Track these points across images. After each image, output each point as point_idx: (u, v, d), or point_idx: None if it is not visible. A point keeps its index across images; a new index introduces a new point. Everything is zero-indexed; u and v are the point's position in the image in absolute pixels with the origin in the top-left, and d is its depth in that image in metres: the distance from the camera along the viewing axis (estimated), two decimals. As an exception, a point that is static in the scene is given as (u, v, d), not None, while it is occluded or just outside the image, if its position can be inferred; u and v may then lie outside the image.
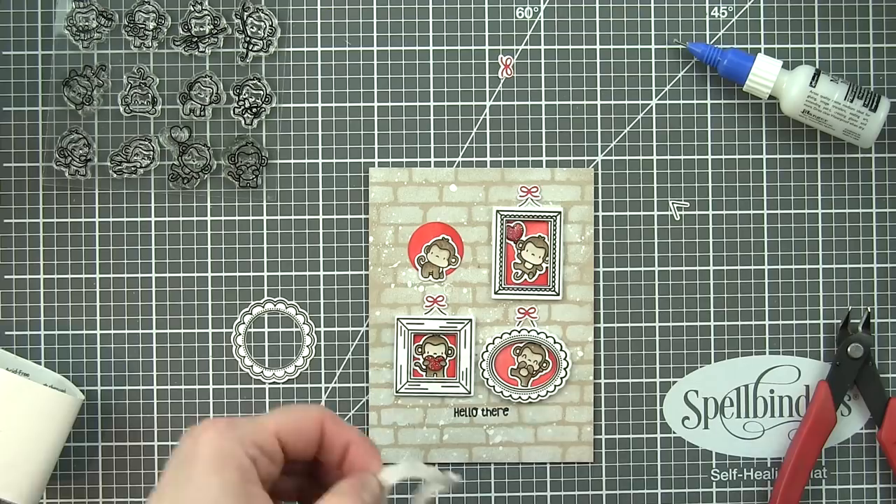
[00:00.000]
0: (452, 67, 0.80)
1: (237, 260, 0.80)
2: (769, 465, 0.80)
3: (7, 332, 0.80)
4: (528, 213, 0.80)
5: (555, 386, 0.79)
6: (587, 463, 0.80)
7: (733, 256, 0.80)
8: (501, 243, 0.79)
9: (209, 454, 0.60)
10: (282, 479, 0.65)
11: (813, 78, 0.76)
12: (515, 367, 0.80)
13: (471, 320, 0.79)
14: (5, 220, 0.80)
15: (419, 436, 0.80)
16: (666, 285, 0.80)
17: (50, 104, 0.79)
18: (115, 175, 0.79)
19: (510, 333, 0.79)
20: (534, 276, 0.80)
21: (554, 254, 0.79)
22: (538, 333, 0.79)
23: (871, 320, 0.80)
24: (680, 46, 0.80)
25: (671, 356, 0.80)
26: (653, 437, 0.80)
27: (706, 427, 0.80)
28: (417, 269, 0.79)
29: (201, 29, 0.79)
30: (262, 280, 0.80)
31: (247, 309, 0.80)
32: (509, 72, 0.80)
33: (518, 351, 0.80)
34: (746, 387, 0.80)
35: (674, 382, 0.80)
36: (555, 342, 0.79)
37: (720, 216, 0.80)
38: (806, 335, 0.80)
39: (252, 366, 0.80)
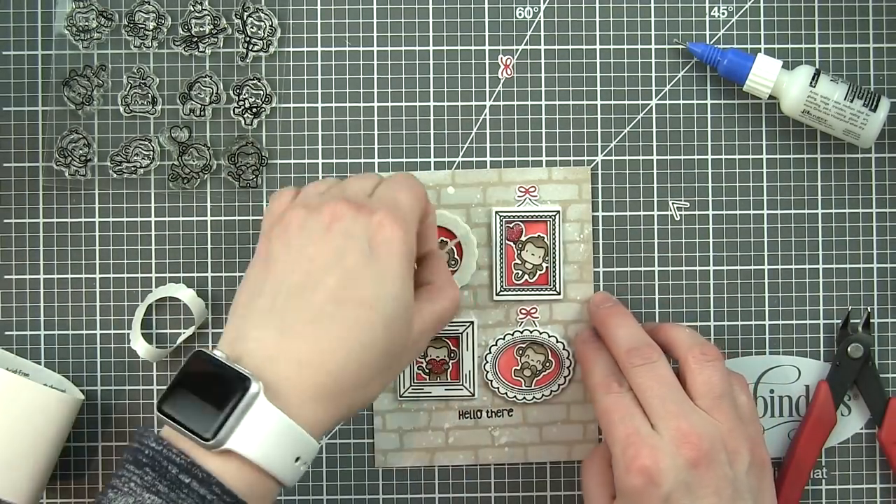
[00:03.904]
0: (452, 67, 0.80)
1: (237, 260, 0.80)
2: (769, 464, 0.81)
3: (7, 332, 0.80)
4: (527, 214, 0.80)
5: (558, 385, 0.79)
6: (588, 463, 0.80)
7: (733, 256, 0.80)
8: (501, 244, 0.79)
9: (400, 254, 0.66)
10: None
11: (813, 78, 0.76)
12: (518, 367, 0.80)
13: (472, 322, 0.79)
14: (5, 220, 0.80)
15: (425, 439, 0.79)
16: (666, 285, 0.80)
17: (50, 104, 0.79)
18: (115, 175, 0.79)
19: (512, 334, 0.79)
20: (534, 275, 0.80)
21: (554, 253, 0.79)
22: (540, 333, 0.79)
23: (871, 320, 0.80)
24: (680, 46, 0.80)
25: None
26: (653, 437, 0.80)
27: (706, 427, 0.80)
28: (419, 271, 0.79)
29: (201, 29, 0.79)
30: (262, 280, 0.79)
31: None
32: (509, 72, 0.80)
33: (521, 351, 0.80)
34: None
35: (674, 382, 0.80)
36: (557, 341, 0.79)
37: (720, 216, 0.80)
38: (806, 335, 0.81)
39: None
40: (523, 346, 0.80)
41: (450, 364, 0.80)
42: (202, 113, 0.79)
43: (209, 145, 0.79)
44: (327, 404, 0.62)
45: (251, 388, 0.60)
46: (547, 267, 0.79)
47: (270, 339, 0.63)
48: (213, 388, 0.61)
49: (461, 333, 0.79)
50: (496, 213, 0.79)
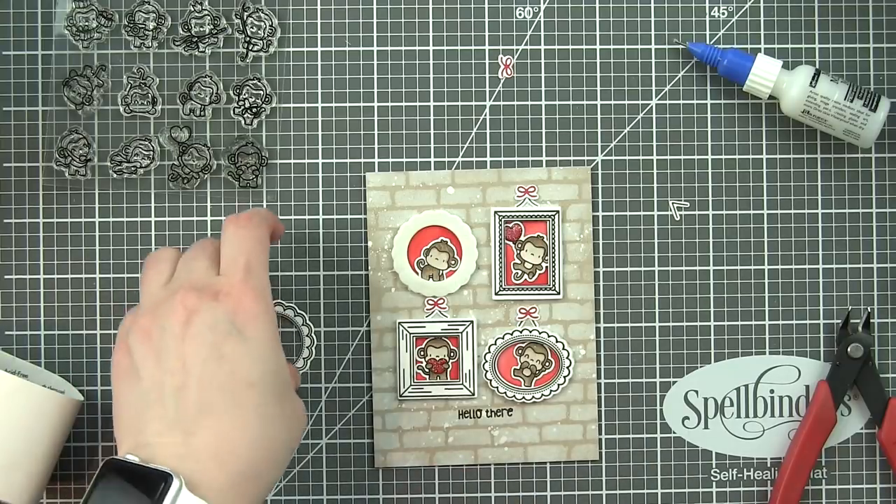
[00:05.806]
0: (452, 67, 0.80)
1: (237, 260, 0.80)
2: (769, 465, 0.81)
3: (7, 332, 0.80)
4: (526, 213, 0.80)
5: (558, 385, 0.80)
6: (590, 462, 0.80)
7: (733, 256, 0.80)
8: (500, 244, 0.79)
9: (265, 325, 0.67)
10: None
11: (813, 78, 0.76)
12: (518, 367, 0.80)
13: (472, 322, 0.79)
14: (5, 220, 0.80)
15: (424, 439, 0.79)
16: (666, 285, 0.80)
17: (50, 104, 0.79)
18: (115, 175, 0.79)
19: (512, 334, 0.79)
20: (534, 275, 0.80)
21: (553, 253, 0.79)
22: (540, 333, 0.79)
23: (871, 320, 0.80)
24: (680, 46, 0.80)
25: (671, 356, 0.80)
26: (653, 437, 0.80)
27: (706, 427, 0.80)
28: (417, 273, 0.79)
29: (201, 29, 0.79)
30: (262, 280, 0.79)
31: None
32: (509, 72, 0.80)
33: (520, 351, 0.80)
34: (746, 387, 0.80)
35: (674, 382, 0.80)
36: (556, 341, 0.79)
37: (720, 216, 0.80)
38: (806, 335, 0.81)
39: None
40: (523, 345, 0.80)
41: (449, 363, 0.80)
42: (202, 113, 0.79)
43: (209, 145, 0.79)
44: (244, 488, 0.64)
45: (173, 484, 0.61)
46: (546, 267, 0.80)
47: (174, 441, 0.64)
48: (139, 486, 0.62)
49: (461, 333, 0.79)
50: (495, 212, 0.79)
